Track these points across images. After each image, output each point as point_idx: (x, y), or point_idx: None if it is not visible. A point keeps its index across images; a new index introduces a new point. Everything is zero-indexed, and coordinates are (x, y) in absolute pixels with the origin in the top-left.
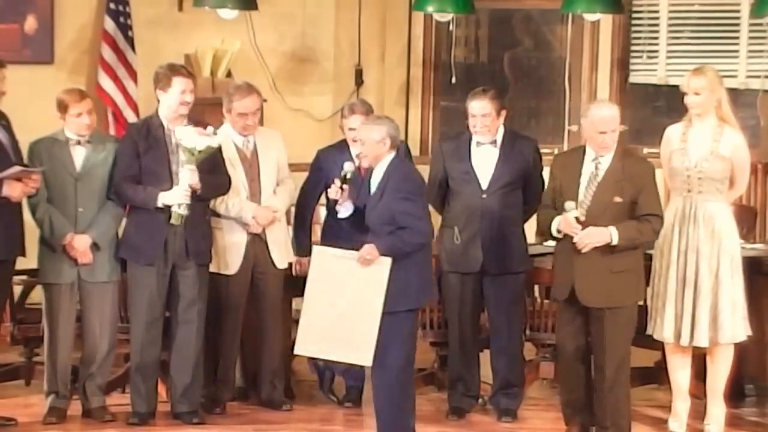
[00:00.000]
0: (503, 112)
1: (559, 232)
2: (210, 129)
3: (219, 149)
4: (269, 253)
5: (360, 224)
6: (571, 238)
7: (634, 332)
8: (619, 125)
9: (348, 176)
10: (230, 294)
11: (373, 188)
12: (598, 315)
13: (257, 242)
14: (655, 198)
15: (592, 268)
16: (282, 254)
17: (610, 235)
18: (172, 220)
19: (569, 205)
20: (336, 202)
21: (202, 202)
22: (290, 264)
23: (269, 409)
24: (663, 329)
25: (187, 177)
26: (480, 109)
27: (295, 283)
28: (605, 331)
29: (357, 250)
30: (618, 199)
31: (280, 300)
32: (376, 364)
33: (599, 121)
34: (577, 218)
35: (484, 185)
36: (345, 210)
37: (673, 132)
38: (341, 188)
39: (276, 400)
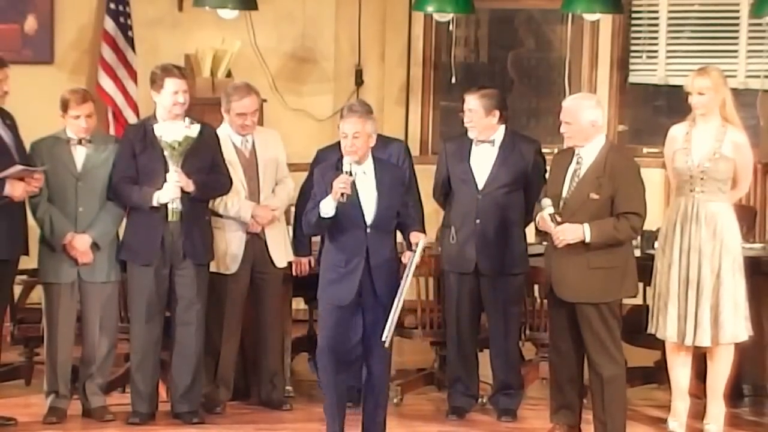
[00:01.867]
0: (496, 113)
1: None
2: (186, 120)
3: (219, 148)
4: (268, 253)
5: (333, 222)
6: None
7: (620, 329)
8: (620, 125)
9: (351, 172)
10: (229, 294)
11: (367, 185)
12: (581, 311)
13: (256, 242)
14: (635, 196)
15: (568, 264)
16: (281, 254)
17: (583, 232)
18: (170, 218)
19: (545, 201)
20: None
21: (201, 202)
22: (290, 263)
23: (269, 409)
24: (666, 329)
25: (174, 177)
26: (467, 103)
27: (295, 283)
28: (589, 327)
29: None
30: (594, 196)
31: (279, 300)
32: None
33: (562, 110)
34: (554, 214)
35: (481, 185)
36: (333, 208)
37: (676, 131)
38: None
39: (276, 400)
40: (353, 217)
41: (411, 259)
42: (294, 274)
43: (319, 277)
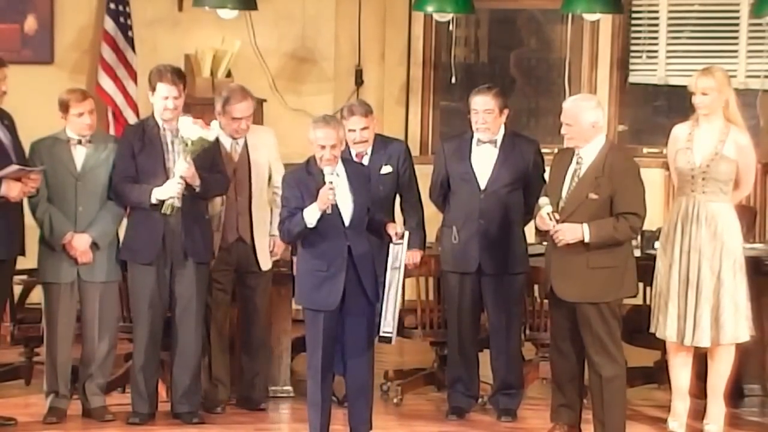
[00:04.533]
0: (506, 111)
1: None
2: (214, 124)
3: (218, 149)
4: (256, 258)
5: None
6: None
7: (619, 329)
8: (620, 125)
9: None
10: (213, 297)
11: (341, 187)
12: (581, 311)
13: (241, 246)
14: (634, 196)
15: (568, 263)
16: (268, 259)
17: (582, 232)
18: (163, 210)
19: (543, 200)
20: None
21: (201, 199)
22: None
23: (246, 410)
24: (666, 328)
25: (182, 169)
26: (483, 104)
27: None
28: (589, 327)
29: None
30: (593, 196)
31: (267, 300)
32: None
33: (562, 112)
34: (552, 213)
35: (483, 185)
36: (317, 217)
37: (679, 131)
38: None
39: (254, 399)
40: (332, 220)
41: (400, 251)
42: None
43: (296, 283)
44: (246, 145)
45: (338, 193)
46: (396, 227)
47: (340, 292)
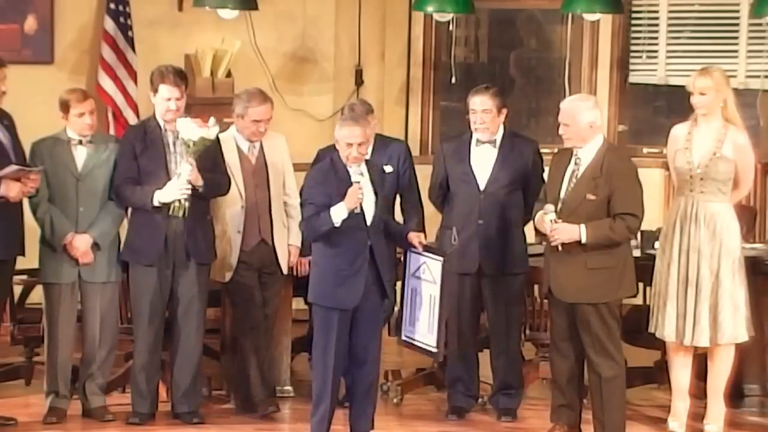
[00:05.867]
0: (504, 111)
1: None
2: (212, 121)
3: (219, 149)
4: (277, 260)
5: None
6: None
7: (619, 329)
8: (619, 125)
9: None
10: (237, 298)
11: (365, 187)
12: (579, 311)
13: (263, 248)
14: (631, 197)
15: (566, 264)
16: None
17: (579, 232)
18: (174, 213)
19: (548, 207)
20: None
21: (202, 200)
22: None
23: (245, 413)
24: (665, 328)
25: (186, 171)
26: (480, 104)
27: (295, 283)
28: (588, 327)
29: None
30: (591, 197)
31: (278, 303)
32: None
33: (560, 112)
34: (555, 220)
35: (482, 186)
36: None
37: (678, 131)
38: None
39: (254, 400)
40: (355, 219)
41: (437, 268)
42: (295, 274)
43: (312, 281)
44: (262, 148)
45: (364, 192)
46: (420, 236)
47: (360, 291)
